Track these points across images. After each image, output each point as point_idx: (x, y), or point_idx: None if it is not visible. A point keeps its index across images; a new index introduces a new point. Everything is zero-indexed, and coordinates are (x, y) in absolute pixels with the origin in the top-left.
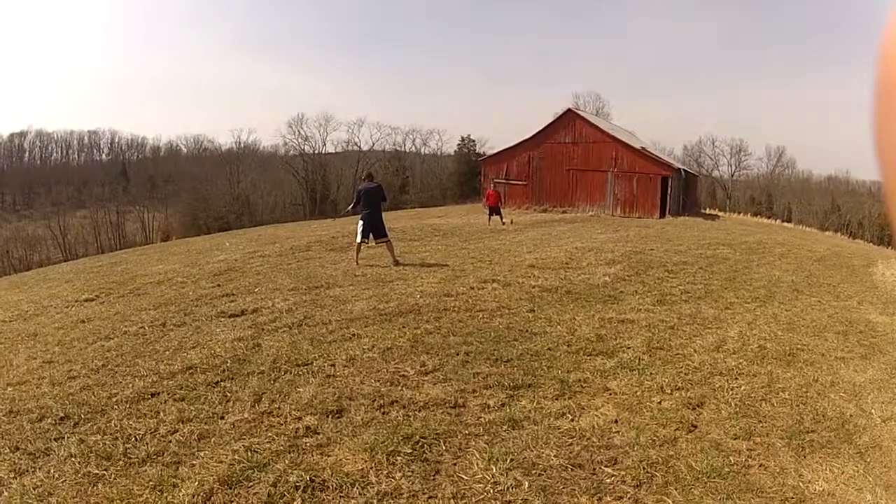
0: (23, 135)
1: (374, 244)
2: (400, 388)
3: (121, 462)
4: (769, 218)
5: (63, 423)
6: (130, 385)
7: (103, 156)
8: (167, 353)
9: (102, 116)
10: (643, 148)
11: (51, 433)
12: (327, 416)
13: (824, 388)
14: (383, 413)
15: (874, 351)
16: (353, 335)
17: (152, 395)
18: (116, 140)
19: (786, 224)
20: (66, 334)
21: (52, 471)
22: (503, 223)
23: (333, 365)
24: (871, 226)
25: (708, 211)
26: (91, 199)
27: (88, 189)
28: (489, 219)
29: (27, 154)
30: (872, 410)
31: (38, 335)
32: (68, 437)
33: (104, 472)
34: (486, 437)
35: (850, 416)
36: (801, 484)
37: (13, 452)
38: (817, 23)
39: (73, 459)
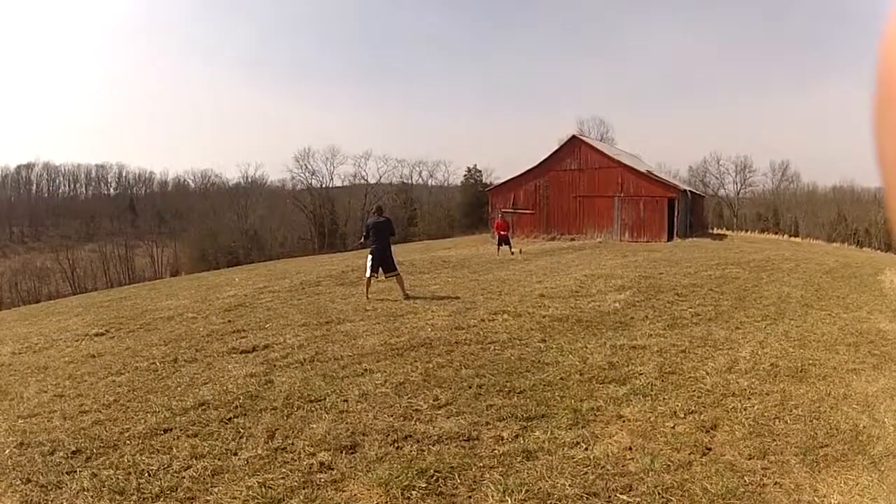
0: (30, 167)
1: (383, 278)
2: (413, 422)
3: (134, 497)
4: (776, 234)
5: (75, 456)
6: (143, 420)
7: (111, 189)
8: (179, 389)
9: (109, 150)
10: (649, 171)
11: (63, 466)
12: (341, 452)
13: (837, 401)
14: (397, 448)
15: (885, 360)
16: (366, 370)
17: (165, 430)
18: (124, 174)
19: (793, 238)
20: (76, 368)
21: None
22: (512, 253)
23: (346, 400)
24: (877, 233)
25: (715, 231)
26: (99, 232)
27: (96, 223)
28: (498, 249)
29: (34, 186)
30: (885, 419)
31: (48, 368)
32: (80, 471)
33: None
34: (500, 469)
35: (864, 427)
36: (816, 499)
37: (24, 484)
38: (816, 34)
39: (85, 493)
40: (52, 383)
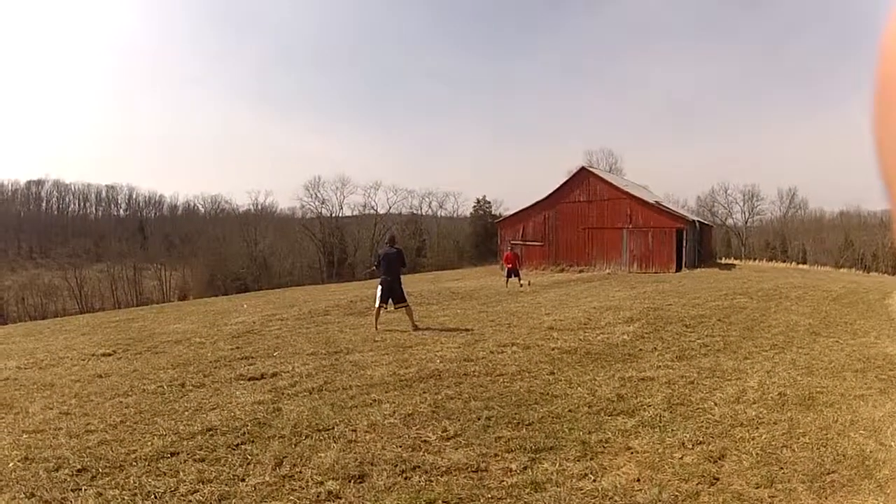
0: (40, 183)
1: (392, 309)
2: (422, 453)
3: None
4: (784, 262)
5: (80, 474)
6: (149, 443)
7: (121, 211)
8: (186, 413)
9: (119, 172)
10: (657, 202)
11: (67, 483)
12: (349, 481)
13: (844, 427)
14: (405, 478)
15: (892, 384)
16: (374, 401)
17: (172, 454)
18: (134, 196)
19: (801, 266)
20: (83, 387)
21: None
22: (521, 285)
23: (355, 430)
24: (884, 257)
25: (723, 260)
26: (108, 253)
27: (105, 243)
28: (507, 281)
29: (44, 203)
30: (892, 443)
31: (54, 385)
32: (86, 489)
33: None
34: (508, 501)
35: (870, 451)
36: None
37: (28, 499)
38: (819, 62)
39: None
40: (58, 401)
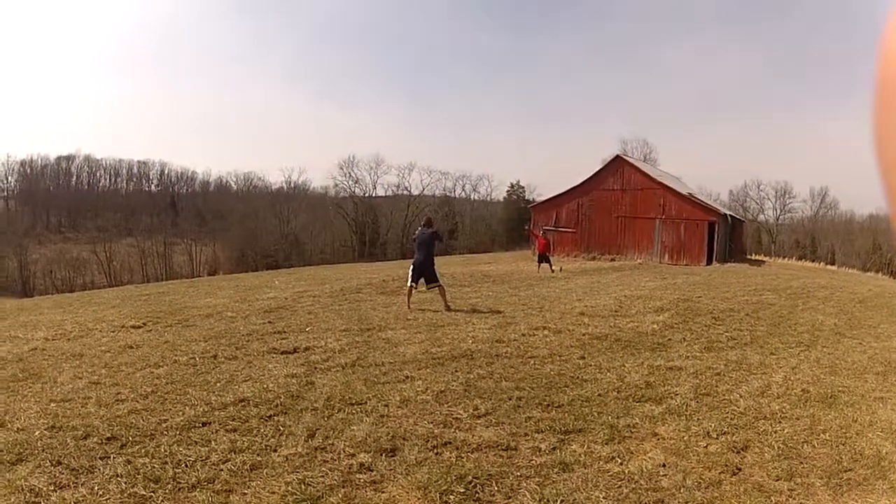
0: (70, 159)
1: (424, 289)
2: (453, 430)
3: (169, 486)
4: (813, 261)
5: (110, 443)
6: (181, 413)
7: (153, 186)
8: (218, 384)
9: (152, 148)
10: (690, 194)
11: (96, 452)
12: (381, 455)
13: (863, 427)
14: (436, 454)
15: None
16: (407, 377)
17: (203, 424)
18: (166, 172)
19: (829, 267)
20: (113, 358)
21: (95, 488)
22: (553, 270)
23: (387, 405)
24: None
25: (753, 256)
26: (138, 227)
27: (136, 218)
28: (538, 266)
29: (74, 178)
30: None
31: (83, 356)
32: (115, 458)
33: (152, 493)
34: (537, 479)
35: (886, 453)
36: None
37: (54, 466)
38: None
39: (118, 479)
40: (88, 370)
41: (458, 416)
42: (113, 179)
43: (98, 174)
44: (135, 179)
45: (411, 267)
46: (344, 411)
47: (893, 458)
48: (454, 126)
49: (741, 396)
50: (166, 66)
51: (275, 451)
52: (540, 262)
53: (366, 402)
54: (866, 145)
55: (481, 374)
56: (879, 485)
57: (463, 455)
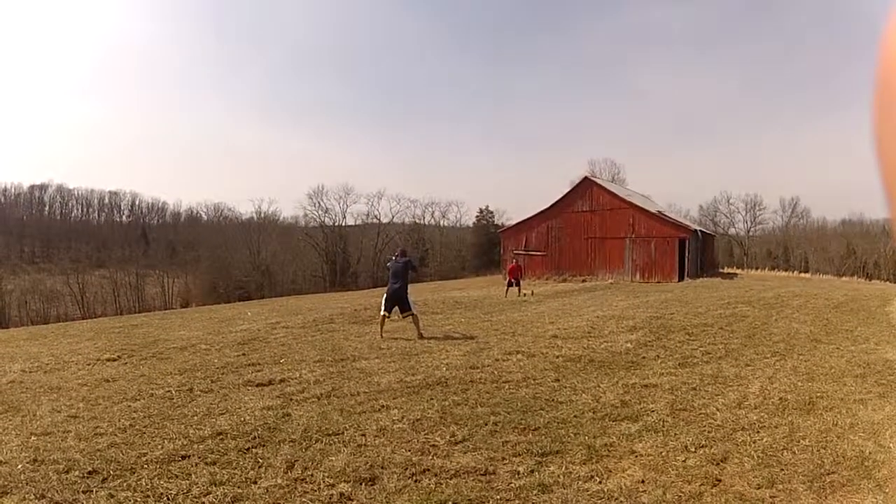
0: (43, 188)
1: (398, 318)
2: (431, 457)
3: None
4: (786, 271)
5: (91, 476)
6: (160, 446)
7: (124, 217)
8: (196, 417)
9: (122, 178)
10: (660, 212)
11: (78, 485)
12: (361, 484)
13: (843, 430)
14: (416, 481)
15: (892, 388)
16: (382, 406)
17: (182, 457)
18: (137, 203)
19: (803, 275)
20: (90, 391)
21: None
22: (524, 294)
23: (364, 435)
24: (886, 264)
25: (726, 270)
26: (111, 259)
27: (108, 249)
28: (506, 290)
29: (47, 207)
30: (890, 445)
31: (61, 389)
32: (97, 491)
33: None
34: (517, 502)
35: (869, 453)
36: None
37: (38, 500)
38: (820, 71)
39: None
40: (66, 404)
41: (436, 443)
42: (85, 210)
43: (70, 204)
44: (106, 210)
45: (384, 296)
46: (322, 442)
47: (878, 457)
48: (423, 153)
49: (718, 409)
50: (138, 94)
51: (255, 483)
52: (509, 286)
53: (343, 433)
54: (837, 152)
55: (456, 401)
56: (865, 484)
57: (442, 481)
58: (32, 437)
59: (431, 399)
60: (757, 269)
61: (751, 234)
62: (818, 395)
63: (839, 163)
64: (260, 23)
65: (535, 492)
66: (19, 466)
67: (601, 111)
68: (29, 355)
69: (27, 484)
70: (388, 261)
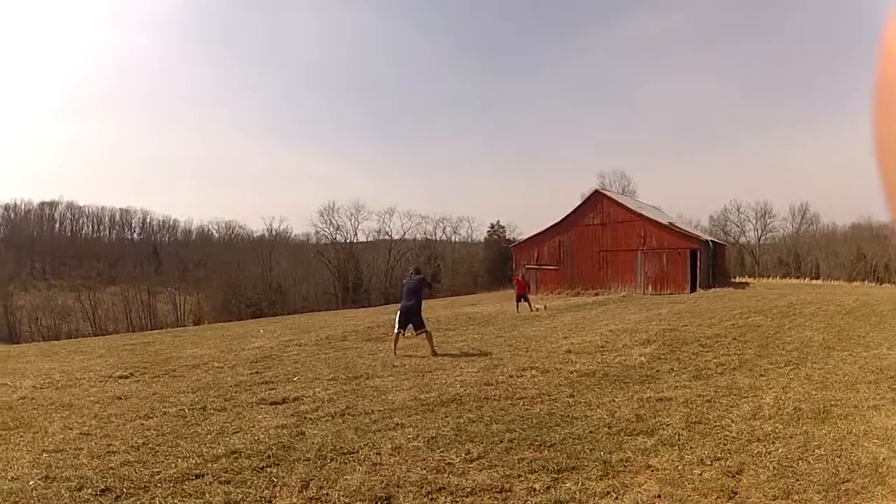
0: (53, 205)
1: (411, 335)
2: (446, 475)
3: None
4: (797, 278)
5: (104, 495)
6: (173, 465)
7: (135, 235)
8: (209, 436)
9: (133, 196)
10: (671, 223)
11: (91, 503)
12: (376, 503)
13: (858, 437)
14: (431, 499)
15: None
16: (397, 424)
17: (196, 476)
18: (148, 220)
19: (814, 281)
20: (102, 409)
21: None
22: (536, 309)
23: (379, 453)
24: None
25: (737, 279)
26: (122, 276)
27: (119, 266)
28: (517, 306)
29: (57, 224)
30: None
31: (73, 406)
32: None
33: None
34: None
35: (883, 459)
36: None
37: None
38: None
39: None
40: (78, 421)
41: (451, 460)
42: (95, 227)
43: (81, 221)
44: (117, 227)
45: (398, 313)
46: (336, 461)
47: (892, 463)
48: (434, 169)
49: (733, 421)
50: (149, 112)
51: (269, 502)
52: (518, 301)
53: (357, 451)
54: (844, 154)
55: (471, 418)
56: (879, 490)
57: (458, 500)
58: (44, 454)
59: (446, 416)
60: (768, 277)
61: (761, 242)
62: (832, 403)
63: (845, 164)
64: (270, 41)
65: None
66: (31, 483)
67: (611, 123)
68: (40, 371)
69: (39, 501)
70: (403, 278)
